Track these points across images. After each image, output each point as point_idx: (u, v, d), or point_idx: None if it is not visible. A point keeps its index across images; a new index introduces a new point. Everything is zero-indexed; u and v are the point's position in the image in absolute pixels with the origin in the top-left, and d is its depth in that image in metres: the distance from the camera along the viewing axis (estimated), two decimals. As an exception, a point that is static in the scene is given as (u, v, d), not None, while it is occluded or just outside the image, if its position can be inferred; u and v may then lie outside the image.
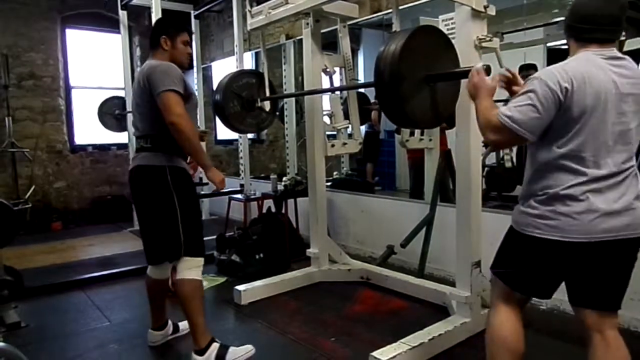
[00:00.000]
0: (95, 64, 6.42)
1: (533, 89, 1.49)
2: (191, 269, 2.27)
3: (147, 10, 5.05)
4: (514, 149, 3.90)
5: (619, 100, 1.50)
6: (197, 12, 5.80)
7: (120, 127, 5.71)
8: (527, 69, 3.49)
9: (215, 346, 2.26)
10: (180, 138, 2.15)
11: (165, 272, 2.54)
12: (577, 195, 1.51)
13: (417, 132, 3.56)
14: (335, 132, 3.36)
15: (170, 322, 2.65)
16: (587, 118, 1.49)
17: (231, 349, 2.29)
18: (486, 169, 4.03)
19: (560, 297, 2.60)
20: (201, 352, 2.23)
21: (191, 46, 2.49)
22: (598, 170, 1.51)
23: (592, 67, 1.50)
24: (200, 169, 2.67)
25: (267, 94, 3.30)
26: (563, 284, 1.69)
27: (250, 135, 5.28)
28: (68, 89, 6.22)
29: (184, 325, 2.70)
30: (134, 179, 2.33)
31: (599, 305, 1.59)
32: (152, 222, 2.34)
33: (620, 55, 1.57)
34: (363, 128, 5.01)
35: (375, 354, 2.17)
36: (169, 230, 2.24)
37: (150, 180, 2.26)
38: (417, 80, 2.07)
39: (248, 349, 2.36)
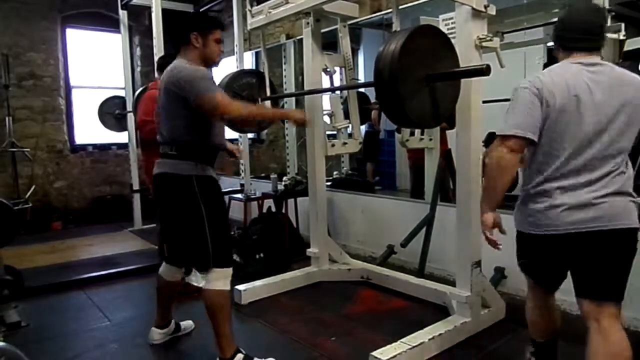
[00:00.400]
0: (96, 64, 6.41)
1: (515, 97, 1.67)
2: (220, 279, 2.22)
3: (148, 10, 5.06)
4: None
5: (592, 103, 1.60)
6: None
7: (121, 126, 5.71)
8: None
9: (239, 357, 2.23)
10: (241, 120, 2.17)
11: (178, 274, 2.52)
12: (547, 190, 1.65)
13: (417, 131, 3.55)
14: (335, 132, 3.36)
15: (173, 321, 2.64)
16: (557, 118, 1.61)
17: (255, 359, 2.26)
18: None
19: (562, 298, 2.61)
20: None
21: (223, 43, 2.36)
22: (570, 167, 1.62)
23: (565, 73, 1.64)
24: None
25: (268, 93, 3.30)
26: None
27: (250, 135, 5.29)
28: (68, 89, 6.21)
29: (185, 324, 2.71)
30: (159, 186, 2.28)
31: (591, 295, 1.67)
32: (179, 231, 2.31)
33: (600, 62, 1.69)
34: (363, 128, 5.00)
35: (375, 353, 2.17)
36: (197, 241, 2.19)
37: (177, 190, 2.20)
38: (417, 79, 2.07)
39: None
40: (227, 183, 5.48)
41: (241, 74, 3.39)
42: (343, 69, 3.34)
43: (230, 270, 2.27)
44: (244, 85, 3.24)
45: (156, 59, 4.56)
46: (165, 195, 2.28)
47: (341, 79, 3.47)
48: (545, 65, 3.58)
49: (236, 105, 2.17)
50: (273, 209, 4.35)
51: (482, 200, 1.79)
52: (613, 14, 2.64)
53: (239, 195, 4.43)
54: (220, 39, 2.29)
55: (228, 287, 2.24)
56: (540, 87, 1.62)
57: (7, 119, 5.45)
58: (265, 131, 6.35)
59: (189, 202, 2.17)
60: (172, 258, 2.46)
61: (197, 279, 3.46)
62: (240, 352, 2.25)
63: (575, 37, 1.69)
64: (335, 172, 5.48)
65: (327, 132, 3.40)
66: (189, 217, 2.19)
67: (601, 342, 1.63)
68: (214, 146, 2.28)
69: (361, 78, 6.07)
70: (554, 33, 1.78)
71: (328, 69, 3.26)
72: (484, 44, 2.39)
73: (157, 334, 2.55)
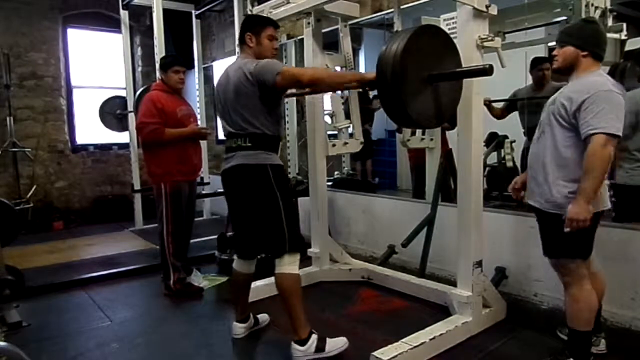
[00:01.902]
0: (97, 64, 6.42)
1: (611, 99, 1.86)
2: (292, 264, 2.31)
3: (148, 9, 5.06)
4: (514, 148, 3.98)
5: None
6: (198, 12, 5.80)
7: (122, 126, 5.71)
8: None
9: (314, 337, 2.29)
10: (322, 87, 2.27)
11: (252, 266, 2.59)
12: None
13: (418, 131, 3.55)
14: (336, 132, 3.35)
15: (251, 315, 2.68)
16: None
17: (328, 340, 2.32)
18: (487, 168, 4.02)
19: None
20: (302, 343, 2.27)
21: (277, 40, 2.50)
22: None
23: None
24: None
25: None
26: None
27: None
28: (69, 89, 6.22)
29: (262, 317, 2.76)
30: (233, 178, 2.36)
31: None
32: (255, 220, 2.37)
33: None
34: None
35: (376, 353, 2.17)
36: (274, 228, 2.29)
37: (253, 180, 2.29)
38: (419, 80, 2.07)
39: (343, 341, 2.37)
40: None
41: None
42: (344, 68, 3.34)
43: (299, 255, 2.37)
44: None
45: (157, 58, 4.56)
46: (239, 186, 2.36)
47: (342, 79, 3.45)
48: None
49: (311, 72, 2.24)
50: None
51: (587, 195, 1.87)
52: (614, 13, 2.64)
53: (239, 195, 4.42)
54: (274, 35, 2.42)
55: (298, 271, 2.34)
56: (623, 93, 1.91)
57: (8, 118, 5.46)
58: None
59: (266, 190, 2.28)
60: (245, 251, 2.54)
61: (197, 279, 3.47)
62: (314, 333, 2.31)
63: (604, 50, 2.03)
64: (336, 172, 5.48)
65: (328, 132, 3.40)
66: (265, 204, 2.29)
67: (595, 280, 2.13)
68: (279, 136, 2.41)
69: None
70: (592, 43, 1.99)
71: (329, 69, 3.26)
72: (485, 43, 2.39)
73: (239, 328, 2.59)
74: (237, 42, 2.45)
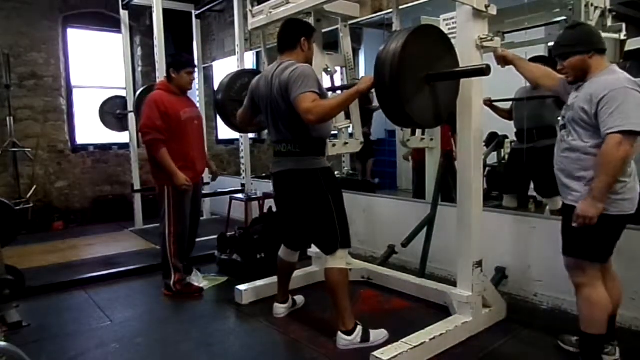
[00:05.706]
0: (97, 64, 6.42)
1: (630, 96, 1.82)
2: (342, 259, 2.44)
3: (149, 9, 5.06)
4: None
5: None
6: (198, 12, 5.80)
7: (122, 126, 5.72)
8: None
9: (359, 329, 2.42)
10: (325, 120, 2.26)
11: (295, 256, 2.81)
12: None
13: (418, 131, 3.55)
14: (336, 132, 3.35)
15: (290, 297, 2.91)
16: None
17: (371, 332, 2.44)
18: (487, 168, 4.02)
19: (563, 297, 2.61)
20: (349, 333, 2.40)
21: None
22: None
23: None
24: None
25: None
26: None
27: (251, 135, 5.29)
28: (69, 89, 6.22)
29: (299, 299, 3.00)
30: (285, 182, 2.51)
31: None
32: (308, 220, 2.52)
33: None
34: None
35: (376, 353, 2.17)
36: (327, 228, 2.43)
37: (306, 184, 2.42)
38: (418, 80, 2.07)
39: (384, 333, 2.48)
40: (228, 183, 5.49)
41: (242, 73, 3.39)
42: (344, 68, 3.34)
43: (347, 251, 2.53)
44: (244, 85, 3.24)
45: (157, 58, 4.56)
46: (290, 189, 2.51)
47: (342, 79, 3.46)
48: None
49: (320, 108, 2.16)
50: (274, 209, 4.35)
51: (596, 194, 1.87)
52: (614, 13, 2.64)
53: (240, 195, 4.43)
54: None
55: (345, 266, 2.47)
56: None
57: (8, 118, 5.46)
58: (266, 130, 6.35)
59: (317, 193, 2.41)
60: (292, 243, 2.77)
61: (197, 279, 3.47)
62: (359, 324, 2.44)
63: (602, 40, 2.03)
64: (336, 172, 5.47)
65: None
66: (318, 206, 2.42)
67: (613, 285, 2.13)
68: (326, 138, 2.53)
69: (362, 78, 6.04)
70: (592, 42, 1.97)
71: (329, 69, 3.25)
72: (485, 44, 2.39)
73: (280, 309, 2.86)
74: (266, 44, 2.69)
